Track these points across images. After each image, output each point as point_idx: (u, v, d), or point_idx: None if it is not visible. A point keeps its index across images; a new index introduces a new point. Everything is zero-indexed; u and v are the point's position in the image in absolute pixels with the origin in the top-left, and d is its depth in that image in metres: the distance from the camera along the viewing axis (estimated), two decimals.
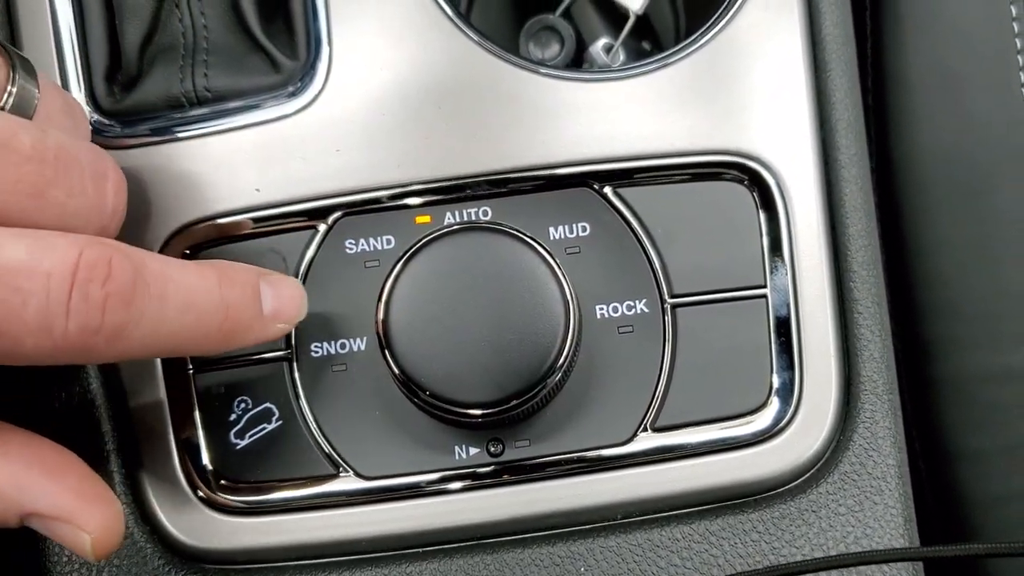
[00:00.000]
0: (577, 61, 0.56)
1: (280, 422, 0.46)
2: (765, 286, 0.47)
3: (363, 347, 0.46)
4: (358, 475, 0.45)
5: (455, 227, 0.44)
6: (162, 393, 0.46)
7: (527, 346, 0.42)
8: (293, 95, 0.47)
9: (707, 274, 0.46)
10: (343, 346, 0.46)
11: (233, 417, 0.46)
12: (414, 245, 0.43)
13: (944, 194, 0.54)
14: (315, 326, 0.46)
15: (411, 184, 0.47)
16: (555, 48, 0.55)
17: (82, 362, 0.36)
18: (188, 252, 0.47)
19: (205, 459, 0.46)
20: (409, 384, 0.42)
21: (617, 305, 0.46)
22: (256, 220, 0.47)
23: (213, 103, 0.48)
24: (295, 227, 0.47)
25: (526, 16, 0.56)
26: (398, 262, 0.43)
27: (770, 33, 0.48)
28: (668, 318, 0.46)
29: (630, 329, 0.46)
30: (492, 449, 0.45)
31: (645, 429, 0.46)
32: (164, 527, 0.46)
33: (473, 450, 0.45)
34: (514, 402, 0.42)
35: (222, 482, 0.46)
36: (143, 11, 0.48)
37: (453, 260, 0.43)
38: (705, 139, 0.47)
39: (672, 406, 0.46)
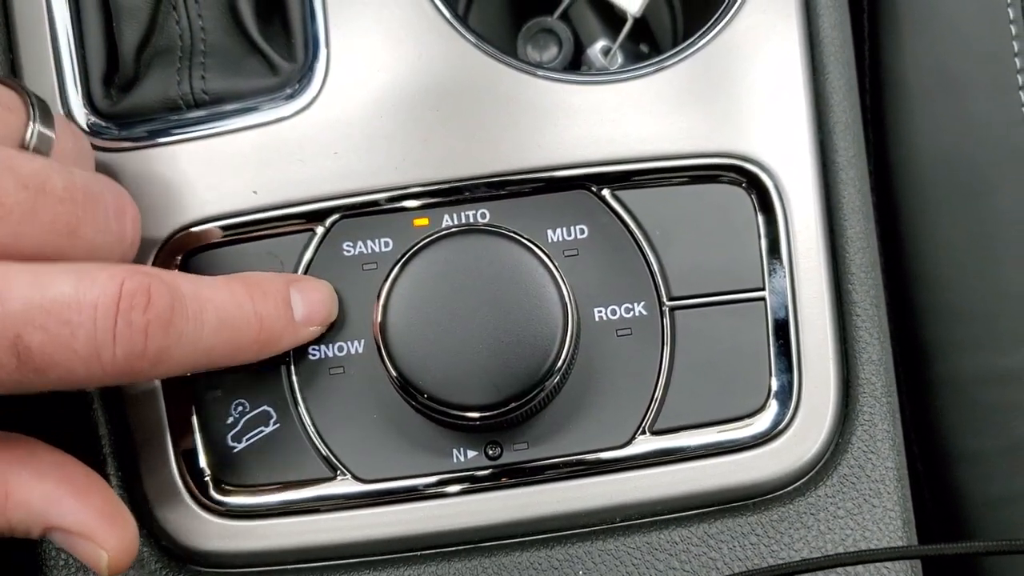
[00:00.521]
0: (575, 63, 0.56)
1: (277, 425, 0.45)
2: (763, 288, 0.47)
3: (361, 349, 0.46)
4: (356, 478, 0.45)
5: (453, 229, 0.44)
6: (159, 396, 0.46)
7: (525, 349, 0.42)
8: (291, 97, 0.47)
9: (705, 277, 0.46)
10: (341, 349, 0.46)
11: (230, 420, 0.46)
12: (412, 247, 0.43)
13: (942, 196, 0.54)
14: None
15: (409, 186, 0.47)
16: (553, 50, 0.55)
17: (128, 383, 0.39)
18: (185, 254, 0.46)
19: (202, 462, 0.46)
20: (407, 387, 0.42)
21: (615, 308, 0.46)
22: (254, 223, 0.47)
23: (210, 105, 0.48)
24: (293, 230, 0.47)
25: (524, 18, 0.56)
26: (396, 264, 0.43)
27: (768, 35, 0.48)
28: (666, 321, 0.46)
29: (628, 332, 0.46)
30: (490, 452, 0.45)
31: (643, 432, 0.46)
32: (161, 530, 0.46)
33: (471, 453, 0.45)
34: (512, 405, 0.42)
35: (219, 485, 0.46)
36: (140, 13, 0.48)
37: (451, 263, 0.43)
38: (703, 141, 0.47)
39: (670, 409, 0.46)
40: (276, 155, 0.47)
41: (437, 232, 0.44)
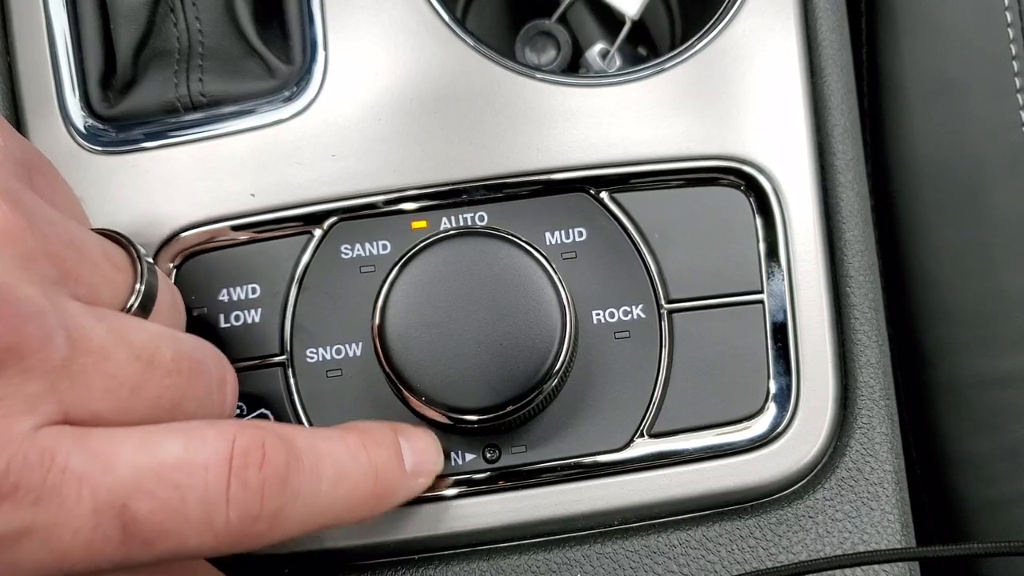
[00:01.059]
0: (573, 66, 0.56)
1: None
2: (762, 291, 0.47)
3: (359, 352, 0.46)
4: None
5: (451, 232, 0.44)
6: None
7: (523, 351, 0.42)
8: (289, 100, 0.47)
9: (704, 279, 0.46)
10: (339, 351, 0.46)
11: None
12: (410, 250, 0.43)
13: (941, 198, 0.54)
14: (310, 331, 0.46)
15: (407, 189, 0.47)
16: (551, 53, 0.55)
17: (243, 551, 0.36)
18: (183, 258, 0.46)
19: None
20: (405, 390, 0.42)
21: (614, 310, 0.46)
22: (251, 225, 0.47)
23: (208, 108, 0.48)
24: (290, 232, 0.47)
25: (522, 21, 0.56)
26: (394, 267, 0.43)
27: (766, 38, 0.48)
28: (665, 323, 0.46)
29: (627, 334, 0.46)
30: (488, 455, 0.45)
31: (642, 435, 0.46)
32: None
33: (469, 456, 0.45)
34: (510, 408, 0.42)
35: None
36: (138, 15, 0.48)
37: (449, 265, 0.42)
38: (701, 144, 0.47)
39: (669, 412, 0.46)
40: (274, 158, 0.47)
41: (435, 235, 0.43)
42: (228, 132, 0.47)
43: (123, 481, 0.33)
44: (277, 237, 0.47)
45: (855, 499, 0.46)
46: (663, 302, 0.46)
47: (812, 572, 0.42)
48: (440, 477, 0.45)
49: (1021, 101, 0.53)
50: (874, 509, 0.46)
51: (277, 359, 0.46)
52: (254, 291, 0.46)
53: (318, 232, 0.47)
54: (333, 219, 0.47)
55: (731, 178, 0.47)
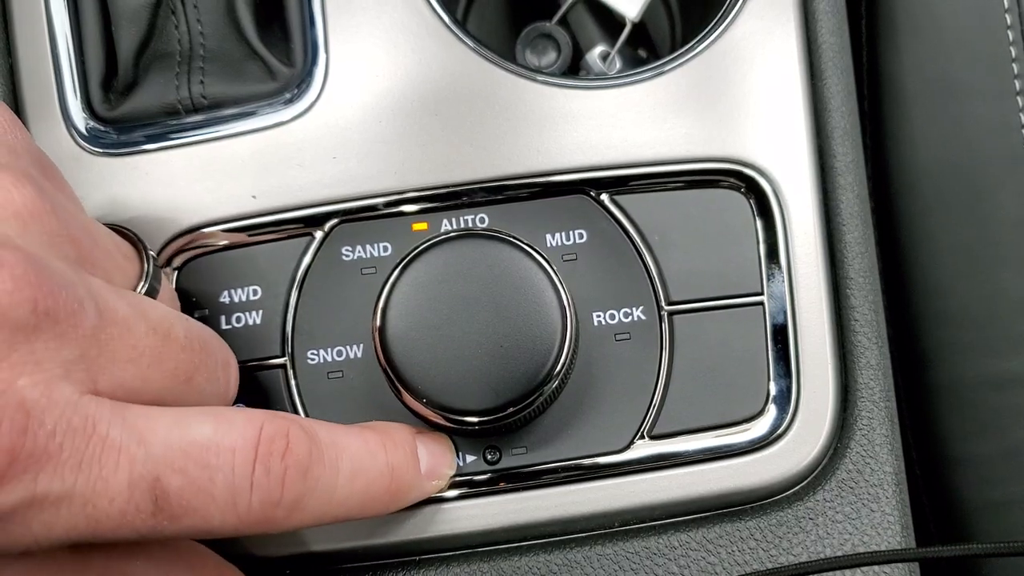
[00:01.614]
0: (573, 69, 0.56)
1: None
2: (762, 293, 0.47)
3: (360, 354, 0.46)
4: None
5: (452, 234, 0.44)
6: None
7: (524, 353, 0.42)
8: (290, 102, 0.47)
9: (704, 281, 0.46)
10: (340, 353, 0.46)
11: None
12: (411, 252, 0.43)
13: (940, 200, 0.54)
14: (311, 333, 0.46)
15: (408, 191, 0.47)
16: (552, 56, 0.55)
17: (259, 533, 0.37)
18: (184, 259, 0.46)
19: None
20: (405, 391, 0.42)
21: (614, 312, 0.46)
22: (253, 227, 0.47)
23: (209, 110, 0.48)
24: (291, 234, 0.47)
25: (523, 24, 0.56)
26: (395, 269, 0.43)
27: (766, 41, 0.48)
28: (665, 325, 0.46)
29: (627, 336, 0.46)
30: (489, 456, 0.45)
31: (642, 437, 0.46)
32: None
33: (470, 458, 0.45)
34: (511, 409, 0.42)
35: None
36: (139, 18, 0.48)
37: (450, 267, 0.43)
38: (701, 146, 0.47)
39: (669, 413, 0.46)
40: (275, 160, 0.47)
41: (436, 237, 0.43)
42: (229, 134, 0.47)
43: (157, 456, 0.35)
44: (278, 239, 0.47)
45: (855, 500, 0.46)
46: (663, 304, 0.46)
47: (812, 573, 0.42)
48: None
49: (1021, 103, 0.53)
50: (874, 510, 0.46)
51: (278, 360, 0.46)
52: (255, 293, 0.46)
53: (319, 234, 0.47)
54: (334, 221, 0.47)
55: (731, 180, 0.47)
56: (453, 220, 0.47)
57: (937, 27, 0.54)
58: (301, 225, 0.47)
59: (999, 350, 0.54)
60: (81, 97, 0.48)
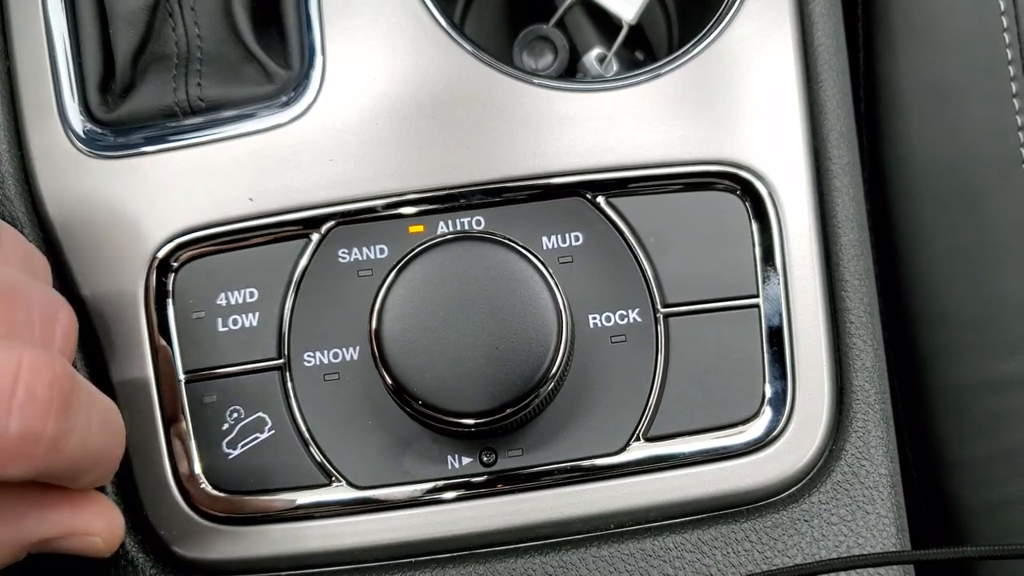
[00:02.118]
0: (570, 71, 0.56)
1: (273, 431, 0.46)
2: (757, 295, 0.47)
3: (356, 356, 0.46)
4: (350, 484, 0.45)
5: (448, 236, 0.44)
6: (154, 402, 0.46)
7: (520, 355, 0.42)
8: (287, 105, 0.47)
9: (700, 283, 0.47)
10: (336, 355, 0.46)
11: (226, 427, 0.46)
12: (407, 254, 0.43)
13: (936, 203, 0.54)
14: (308, 335, 0.46)
15: (404, 193, 0.47)
16: (548, 58, 0.56)
17: (4, 478, 0.35)
18: (181, 262, 0.47)
19: (197, 468, 0.46)
20: (402, 393, 0.42)
21: (610, 314, 0.46)
22: (249, 229, 0.47)
23: (207, 112, 0.48)
24: (288, 236, 0.47)
25: (520, 26, 0.56)
26: (391, 271, 0.43)
27: (763, 44, 0.48)
28: (661, 327, 0.46)
29: (623, 338, 0.46)
30: (485, 458, 0.45)
31: (638, 439, 0.46)
32: (156, 537, 0.46)
33: (466, 459, 0.45)
34: (507, 411, 0.42)
35: (214, 492, 0.46)
36: (137, 20, 0.48)
37: (446, 269, 0.43)
38: (698, 149, 0.47)
39: (665, 416, 0.46)
40: (272, 162, 0.47)
41: (432, 239, 0.44)
42: (226, 136, 0.47)
43: None
44: (275, 241, 0.47)
45: (850, 503, 0.46)
46: (659, 306, 0.46)
47: (809, 575, 0.42)
48: (437, 481, 0.45)
49: (1017, 106, 0.53)
50: (869, 512, 0.46)
51: (275, 363, 0.46)
52: (252, 295, 0.46)
53: (316, 236, 0.47)
54: (331, 223, 0.47)
55: (727, 183, 0.47)
56: (449, 222, 0.47)
57: (934, 30, 0.54)
58: (298, 227, 0.47)
59: (995, 352, 0.54)
60: (79, 99, 0.48)
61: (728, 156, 0.47)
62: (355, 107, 0.47)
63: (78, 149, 0.47)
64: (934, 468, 0.56)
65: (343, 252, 0.47)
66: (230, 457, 0.45)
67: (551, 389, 0.43)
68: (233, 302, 0.46)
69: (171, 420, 0.46)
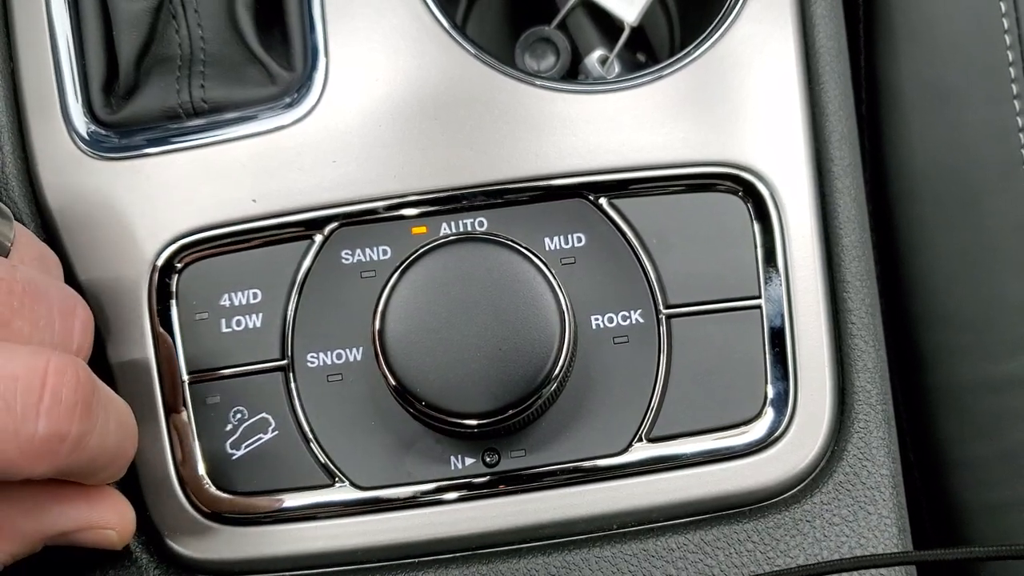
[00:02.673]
0: (572, 73, 0.56)
1: (276, 432, 0.46)
2: (759, 296, 0.47)
3: (359, 357, 0.46)
4: (354, 485, 0.45)
5: (451, 238, 0.44)
6: (158, 403, 0.46)
7: (523, 356, 0.42)
8: (290, 106, 0.48)
9: (702, 284, 0.47)
10: (339, 356, 0.46)
11: (229, 427, 0.46)
12: (410, 256, 0.43)
13: (937, 204, 0.54)
14: (311, 336, 0.46)
15: (407, 195, 0.47)
16: (550, 60, 0.56)
17: (29, 475, 0.36)
18: (184, 263, 0.47)
19: (201, 469, 0.46)
20: (405, 394, 0.42)
21: (612, 315, 0.46)
22: (253, 231, 0.47)
23: (210, 114, 0.48)
24: (292, 237, 0.47)
25: (522, 28, 0.56)
26: (394, 272, 0.43)
27: (764, 45, 0.49)
28: (663, 328, 0.46)
29: (625, 339, 0.46)
30: (488, 459, 0.46)
31: (640, 439, 0.46)
32: (160, 538, 0.46)
33: (469, 460, 0.45)
34: (510, 412, 0.42)
35: (218, 492, 0.46)
36: (140, 22, 0.48)
37: (449, 271, 0.43)
38: (700, 150, 0.47)
39: (667, 416, 0.46)
40: (275, 164, 0.47)
41: (435, 240, 0.44)
42: (230, 138, 0.47)
43: None
44: (278, 242, 0.47)
45: (852, 503, 0.46)
46: (661, 307, 0.46)
47: None
48: (440, 481, 0.45)
49: (1018, 107, 0.53)
50: (871, 513, 0.46)
51: (278, 364, 0.46)
52: (255, 296, 0.46)
53: (319, 237, 0.47)
54: (334, 224, 0.47)
55: (729, 184, 0.48)
56: (452, 224, 0.47)
57: (934, 32, 0.55)
58: (301, 228, 0.47)
59: (996, 353, 0.54)
60: (82, 101, 0.48)
61: (730, 157, 0.47)
62: (358, 109, 0.47)
63: (81, 150, 0.47)
64: (935, 469, 0.56)
65: (346, 253, 0.47)
66: (234, 458, 0.46)
67: (554, 390, 0.43)
68: (236, 303, 0.46)
69: (175, 421, 0.46)
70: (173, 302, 0.47)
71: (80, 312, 0.41)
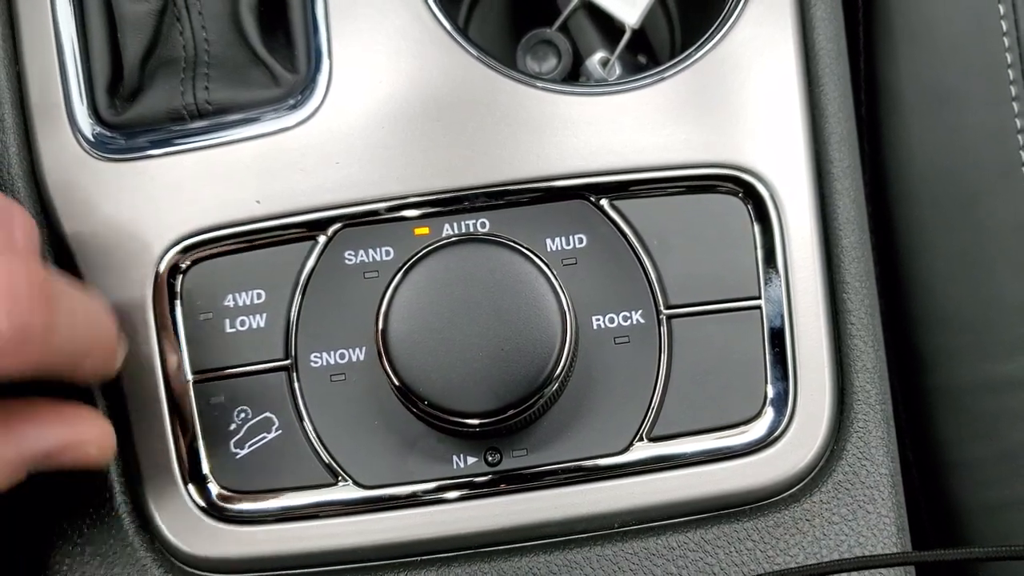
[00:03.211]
0: (574, 75, 0.56)
1: (280, 431, 0.46)
2: (759, 297, 0.47)
3: (362, 357, 0.46)
4: (357, 484, 0.46)
5: (453, 239, 0.44)
6: (163, 403, 0.46)
7: (524, 356, 0.42)
8: (293, 108, 0.48)
9: (702, 285, 0.47)
10: (342, 356, 0.46)
11: (233, 427, 0.46)
12: (413, 256, 0.44)
13: (937, 206, 0.55)
14: (315, 336, 0.46)
15: (410, 196, 0.47)
16: (552, 62, 0.56)
17: (6, 373, 0.37)
18: (188, 263, 0.47)
19: (205, 468, 0.46)
20: (408, 394, 0.42)
21: (613, 316, 0.47)
22: (256, 231, 0.47)
23: (214, 116, 0.48)
24: (295, 238, 0.47)
25: (523, 30, 0.56)
26: (397, 273, 0.43)
27: (764, 48, 0.49)
28: (664, 329, 0.47)
29: (626, 339, 0.46)
30: (490, 458, 0.46)
31: (641, 439, 0.46)
32: (164, 536, 0.46)
33: (471, 459, 0.46)
34: (512, 412, 0.42)
35: (222, 491, 0.46)
36: (145, 24, 0.48)
37: (451, 271, 0.43)
38: (700, 152, 0.48)
39: (668, 416, 0.46)
40: (279, 165, 0.47)
41: (437, 241, 0.44)
42: (233, 140, 0.47)
43: None
44: (282, 243, 0.47)
45: (851, 503, 0.47)
46: (662, 308, 0.47)
47: None
48: (442, 480, 0.46)
49: (1016, 109, 0.54)
50: (870, 512, 0.46)
51: (282, 363, 0.46)
52: (259, 296, 0.47)
53: (322, 238, 0.47)
54: (337, 225, 0.47)
55: (729, 185, 0.48)
56: (455, 225, 0.47)
57: (933, 34, 0.55)
58: (304, 229, 0.47)
59: (994, 354, 0.54)
60: (87, 103, 0.48)
61: (730, 159, 0.48)
62: (361, 110, 0.48)
63: (86, 152, 0.48)
64: (934, 469, 0.56)
65: (349, 254, 0.47)
66: (238, 457, 0.46)
67: (555, 390, 0.43)
68: (240, 303, 0.47)
69: (179, 420, 0.46)
70: (177, 302, 0.47)
71: (18, 216, 0.41)
